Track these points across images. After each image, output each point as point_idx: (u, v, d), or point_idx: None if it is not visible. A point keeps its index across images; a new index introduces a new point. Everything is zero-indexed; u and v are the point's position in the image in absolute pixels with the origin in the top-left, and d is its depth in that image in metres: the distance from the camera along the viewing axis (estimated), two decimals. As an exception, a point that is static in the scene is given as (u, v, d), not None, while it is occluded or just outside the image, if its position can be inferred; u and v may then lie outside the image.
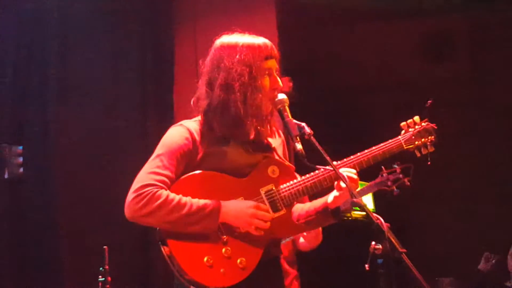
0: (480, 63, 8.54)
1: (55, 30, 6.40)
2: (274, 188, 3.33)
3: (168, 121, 6.59)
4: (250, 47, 3.34)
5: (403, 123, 3.71)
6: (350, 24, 8.34)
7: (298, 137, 3.30)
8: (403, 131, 3.70)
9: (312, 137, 3.31)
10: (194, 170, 3.27)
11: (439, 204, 8.50)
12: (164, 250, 3.20)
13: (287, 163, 3.45)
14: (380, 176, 4.81)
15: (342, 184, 3.33)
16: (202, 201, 3.17)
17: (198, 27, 7.14)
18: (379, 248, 4.00)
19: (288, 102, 3.48)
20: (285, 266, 4.82)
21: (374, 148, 3.55)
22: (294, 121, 3.39)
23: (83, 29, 6.46)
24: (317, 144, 3.30)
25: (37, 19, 6.37)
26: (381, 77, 8.48)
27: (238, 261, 3.19)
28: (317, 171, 3.36)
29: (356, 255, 4.77)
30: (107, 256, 5.11)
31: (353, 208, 7.37)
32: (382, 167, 4.60)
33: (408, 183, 4.72)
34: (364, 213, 6.64)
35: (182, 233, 3.16)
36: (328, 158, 3.28)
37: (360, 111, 8.49)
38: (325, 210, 3.46)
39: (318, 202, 3.51)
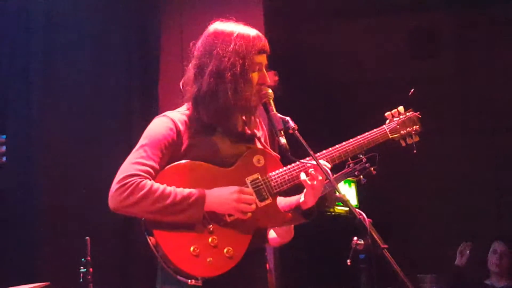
0: (465, 61, 8.57)
1: (38, 19, 6.37)
2: (259, 177, 3.31)
3: (153, 113, 6.57)
4: (245, 38, 3.30)
5: (387, 113, 3.72)
6: (337, 19, 8.34)
7: (282, 131, 3.30)
8: (387, 121, 3.71)
9: (296, 131, 3.31)
10: (179, 161, 3.23)
11: (422, 200, 8.54)
12: (150, 240, 3.16)
13: (272, 152, 3.43)
14: (346, 166, 4.84)
15: (306, 179, 3.30)
16: (186, 190, 3.14)
17: (184, 19, 7.12)
18: (361, 244, 4.00)
19: (273, 96, 3.47)
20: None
21: (359, 137, 3.56)
22: (279, 115, 3.39)
23: (68, 21, 6.42)
24: (301, 138, 3.30)
25: (21, 13, 6.34)
26: (367, 73, 8.50)
27: (225, 250, 3.16)
28: (302, 160, 3.34)
29: (338, 250, 4.78)
30: (89, 247, 5.10)
31: (336, 203, 7.41)
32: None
33: (374, 172, 4.79)
34: (347, 208, 6.70)
35: (168, 223, 3.12)
36: (311, 152, 3.28)
37: (345, 106, 8.52)
38: (297, 209, 3.44)
39: (293, 199, 3.48)
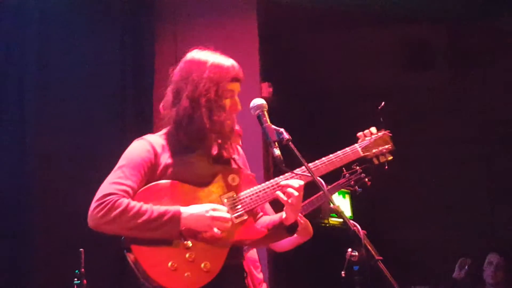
0: (459, 73, 8.59)
1: (34, 30, 6.36)
2: (235, 195, 3.41)
3: (147, 120, 6.58)
4: (219, 67, 3.45)
5: (359, 133, 3.81)
6: (330, 30, 8.36)
7: (276, 143, 3.36)
8: (359, 140, 3.78)
9: (290, 142, 3.35)
10: (157, 181, 3.36)
11: (416, 211, 8.54)
12: (129, 257, 3.28)
13: (247, 171, 3.53)
14: (342, 177, 4.92)
15: (283, 197, 3.39)
16: (162, 208, 3.24)
17: (178, 30, 7.13)
18: (355, 255, 4.02)
19: (267, 108, 3.50)
20: (253, 272, 4.83)
21: (331, 156, 3.61)
22: (273, 126, 3.44)
23: (61, 27, 6.42)
24: (295, 149, 3.33)
25: (17, 16, 6.33)
26: (360, 84, 8.51)
27: (202, 265, 3.26)
28: (276, 178, 3.46)
29: (332, 261, 4.78)
30: (83, 259, 5.08)
31: (331, 215, 7.42)
32: (343, 168, 4.69)
33: (369, 183, 4.86)
34: (341, 220, 6.68)
35: (146, 240, 3.23)
36: (305, 164, 3.31)
37: (339, 117, 8.52)
38: (280, 225, 3.51)
39: (276, 217, 3.56)
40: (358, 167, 4.94)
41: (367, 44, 8.42)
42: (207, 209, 3.27)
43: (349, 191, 7.99)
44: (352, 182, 4.98)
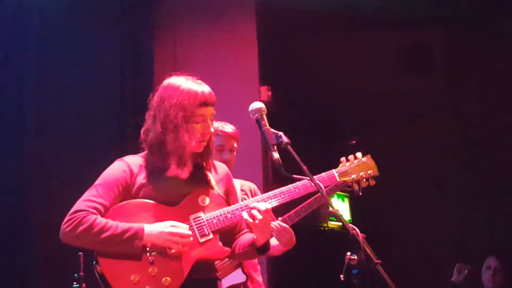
0: (457, 76, 8.60)
1: (33, 34, 6.37)
2: (202, 215, 3.53)
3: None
4: (188, 93, 3.58)
5: (342, 158, 3.85)
6: (329, 34, 8.37)
7: (275, 146, 3.40)
8: (340, 164, 3.82)
9: (289, 146, 3.38)
10: (135, 197, 3.54)
11: (415, 215, 8.54)
12: (96, 268, 3.48)
13: (217, 193, 3.63)
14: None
15: (248, 219, 3.51)
16: (127, 225, 3.43)
17: (178, 34, 7.14)
18: (354, 259, 4.01)
19: (265, 111, 3.52)
20: (253, 275, 4.83)
21: (306, 180, 3.58)
22: (272, 130, 3.46)
23: (62, 34, 6.43)
24: (294, 153, 3.34)
25: (16, 20, 6.34)
26: (359, 87, 8.52)
27: (163, 279, 3.42)
28: (246, 200, 3.62)
29: (331, 265, 4.78)
30: (82, 263, 5.08)
31: (330, 218, 7.42)
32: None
33: (367, 184, 4.83)
34: (340, 223, 6.70)
35: (113, 254, 3.44)
36: (304, 167, 3.32)
37: (338, 120, 8.53)
38: (253, 245, 3.64)
39: (250, 236, 3.70)
40: None
41: (366, 48, 8.43)
42: (166, 225, 3.43)
43: (347, 194, 8.02)
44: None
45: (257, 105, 3.55)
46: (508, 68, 8.14)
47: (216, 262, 3.84)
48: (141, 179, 3.56)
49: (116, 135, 6.59)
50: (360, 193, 4.76)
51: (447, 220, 8.41)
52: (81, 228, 3.43)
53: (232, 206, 3.57)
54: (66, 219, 3.49)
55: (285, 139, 3.40)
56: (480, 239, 8.24)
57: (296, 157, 3.33)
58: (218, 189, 3.67)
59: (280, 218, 4.63)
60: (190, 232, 3.45)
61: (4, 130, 6.23)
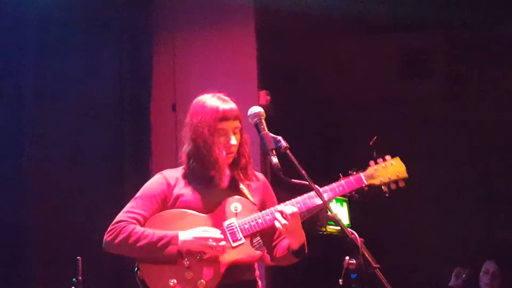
0: (456, 81, 8.60)
1: (32, 39, 6.38)
2: (234, 221, 3.69)
3: (145, 133, 6.60)
4: (209, 109, 3.76)
5: (371, 161, 3.88)
6: (328, 38, 8.37)
7: (274, 151, 3.45)
8: (369, 167, 3.85)
9: (288, 150, 3.42)
10: (172, 207, 3.77)
11: (413, 219, 8.54)
12: (138, 275, 3.70)
13: (251, 201, 3.76)
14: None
15: (278, 225, 3.64)
16: (163, 232, 3.65)
17: (176, 39, 7.15)
18: (353, 263, 4.03)
19: (264, 115, 3.53)
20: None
21: (334, 184, 3.76)
22: (271, 134, 3.48)
23: (60, 40, 6.43)
24: (293, 158, 3.36)
25: (15, 30, 6.34)
26: (358, 92, 8.52)
27: (198, 283, 3.62)
28: (277, 205, 3.71)
29: (330, 269, 4.78)
30: (81, 267, 5.08)
31: (328, 222, 7.41)
32: (340, 174, 4.66)
33: (366, 188, 4.82)
34: (339, 228, 6.66)
35: (152, 260, 3.66)
36: (303, 172, 3.33)
37: (336, 125, 8.53)
38: (289, 250, 3.78)
39: (286, 242, 3.84)
40: (355, 173, 4.91)
41: (365, 53, 8.44)
42: (199, 230, 3.63)
43: (346, 199, 8.01)
44: None
45: (256, 109, 3.57)
46: (508, 73, 8.15)
47: None
48: (177, 190, 3.78)
49: (114, 142, 6.59)
50: (356, 198, 4.81)
51: (446, 224, 8.41)
52: (120, 237, 3.67)
53: (263, 211, 3.69)
54: (108, 230, 3.74)
55: (284, 143, 3.43)
56: (478, 244, 8.24)
57: (295, 161, 3.35)
58: (252, 197, 3.81)
59: None
60: (222, 236, 3.62)
61: (3, 138, 6.23)
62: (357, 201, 4.83)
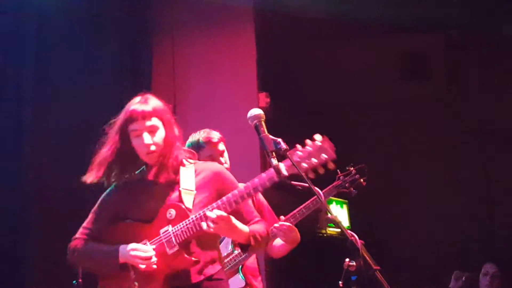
0: (455, 83, 8.61)
1: (33, 44, 6.39)
2: (170, 228, 3.71)
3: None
4: (123, 113, 3.90)
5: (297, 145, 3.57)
6: (327, 41, 8.38)
7: (273, 153, 3.40)
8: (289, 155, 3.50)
9: (287, 153, 3.39)
10: (119, 219, 3.86)
11: (413, 221, 8.54)
12: (98, 285, 3.89)
13: (183, 206, 3.73)
14: (337, 179, 4.89)
15: (205, 228, 3.62)
16: (107, 247, 3.79)
17: (176, 41, 7.15)
18: (353, 265, 4.02)
19: (264, 118, 3.51)
20: (252, 281, 4.84)
21: (255, 179, 3.59)
22: (270, 136, 3.45)
23: (60, 42, 6.44)
24: (292, 160, 3.34)
25: (15, 28, 6.35)
26: (357, 94, 8.53)
27: None
28: (205, 208, 3.65)
29: (330, 271, 4.78)
30: (81, 270, 5.08)
31: (328, 225, 7.42)
32: (337, 170, 4.66)
33: (364, 183, 4.82)
34: (338, 230, 6.69)
35: (105, 273, 3.84)
36: (302, 174, 3.31)
37: (336, 127, 8.52)
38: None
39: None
40: (352, 168, 4.92)
41: (364, 54, 8.44)
42: (129, 248, 3.71)
43: (346, 201, 8.02)
44: (347, 184, 4.95)
45: (256, 111, 3.55)
46: (506, 74, 8.15)
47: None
48: (121, 199, 3.86)
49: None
50: (353, 193, 4.80)
51: (446, 226, 8.41)
52: (75, 254, 3.89)
53: (192, 216, 3.66)
54: (68, 247, 3.93)
55: (283, 145, 3.40)
56: (478, 246, 8.24)
57: (295, 163, 3.34)
58: (200, 194, 3.77)
59: (283, 218, 4.66)
60: (150, 253, 3.68)
61: (3, 136, 6.23)
62: (357, 203, 4.83)
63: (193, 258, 3.71)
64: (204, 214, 3.62)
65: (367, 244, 3.39)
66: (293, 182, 3.45)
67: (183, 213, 3.71)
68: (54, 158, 6.30)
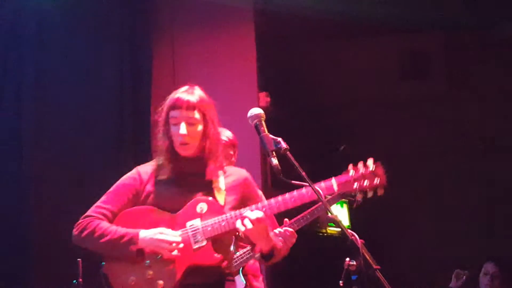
0: (455, 81, 8.61)
1: (32, 43, 6.38)
2: (199, 222, 3.63)
3: (145, 133, 6.60)
4: (168, 100, 3.79)
5: (350, 165, 3.60)
6: (328, 40, 8.38)
7: (274, 152, 3.42)
8: (345, 172, 3.60)
9: (288, 152, 3.40)
10: (141, 204, 3.75)
11: (413, 220, 8.54)
12: (102, 269, 3.72)
13: (217, 202, 3.69)
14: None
15: (240, 227, 3.57)
16: (124, 230, 3.66)
17: (176, 41, 7.15)
18: (353, 264, 4.04)
19: (264, 117, 3.52)
20: (252, 282, 4.83)
21: (303, 190, 3.55)
22: (270, 136, 3.46)
23: (60, 43, 6.44)
24: (293, 159, 3.35)
25: (15, 29, 6.35)
26: (357, 93, 8.53)
27: (157, 282, 3.60)
28: (242, 209, 3.60)
29: (330, 271, 4.78)
30: (81, 269, 5.08)
31: (329, 224, 7.42)
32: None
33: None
34: (339, 229, 6.69)
35: (115, 257, 3.68)
36: (303, 173, 3.32)
37: (336, 126, 8.53)
38: (261, 254, 3.74)
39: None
40: None
41: (365, 54, 8.44)
42: (156, 232, 3.61)
43: (346, 200, 8.01)
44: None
45: (256, 111, 3.56)
46: (507, 73, 8.15)
47: None
48: (149, 186, 3.76)
49: (114, 143, 6.59)
50: (358, 202, 4.74)
51: (446, 225, 8.41)
52: (85, 232, 3.69)
53: (228, 214, 3.62)
54: (76, 223, 3.75)
55: (284, 145, 3.41)
56: (478, 245, 8.24)
57: (295, 163, 3.34)
58: (228, 196, 3.75)
59: (287, 220, 4.65)
60: (178, 239, 3.59)
61: (3, 136, 6.23)
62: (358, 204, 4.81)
63: (217, 255, 3.65)
64: (241, 214, 3.56)
65: (367, 243, 3.39)
66: (294, 181, 3.44)
67: (216, 210, 3.66)
68: (54, 158, 6.30)
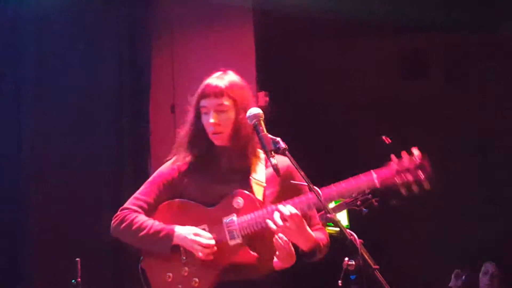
0: (454, 81, 8.60)
1: (31, 45, 6.39)
2: (235, 218, 3.56)
3: (143, 131, 6.61)
4: (199, 88, 3.69)
5: (392, 155, 3.47)
6: (327, 40, 8.37)
7: (273, 152, 3.42)
8: (386, 164, 3.51)
9: (287, 152, 3.41)
10: (178, 197, 3.70)
11: (413, 220, 8.53)
12: (140, 265, 3.70)
13: (254, 196, 3.59)
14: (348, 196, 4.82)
15: (271, 225, 3.48)
16: (160, 225, 3.61)
17: (175, 40, 7.15)
18: (352, 264, 4.01)
19: (263, 117, 3.53)
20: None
21: (342, 183, 3.52)
22: (269, 135, 3.46)
23: (59, 44, 6.45)
24: (292, 159, 3.36)
25: (13, 31, 6.36)
26: (357, 94, 8.52)
27: (193, 281, 3.57)
28: (279, 204, 3.50)
29: (329, 271, 4.77)
30: (79, 269, 5.08)
31: (327, 224, 7.41)
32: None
33: (376, 203, 4.74)
34: (338, 229, 6.63)
35: (153, 252, 3.65)
36: (302, 173, 3.32)
37: (336, 127, 8.52)
38: (300, 251, 3.66)
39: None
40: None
41: (364, 54, 8.44)
42: (190, 232, 3.56)
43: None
44: (359, 202, 4.86)
45: (255, 110, 3.56)
46: (506, 73, 8.14)
47: None
48: (187, 178, 3.70)
49: (112, 144, 6.60)
50: (365, 212, 4.65)
51: (445, 225, 8.40)
52: (122, 225, 3.67)
53: (264, 209, 3.52)
54: (114, 215, 3.74)
55: (282, 144, 3.41)
56: (478, 245, 8.23)
57: (294, 163, 3.36)
58: (268, 188, 3.64)
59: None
60: (212, 242, 3.53)
61: (3, 136, 6.24)
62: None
63: (253, 253, 3.56)
64: (277, 209, 3.45)
65: (366, 243, 3.39)
66: (293, 181, 3.45)
67: (252, 205, 3.56)
68: (54, 157, 6.30)
